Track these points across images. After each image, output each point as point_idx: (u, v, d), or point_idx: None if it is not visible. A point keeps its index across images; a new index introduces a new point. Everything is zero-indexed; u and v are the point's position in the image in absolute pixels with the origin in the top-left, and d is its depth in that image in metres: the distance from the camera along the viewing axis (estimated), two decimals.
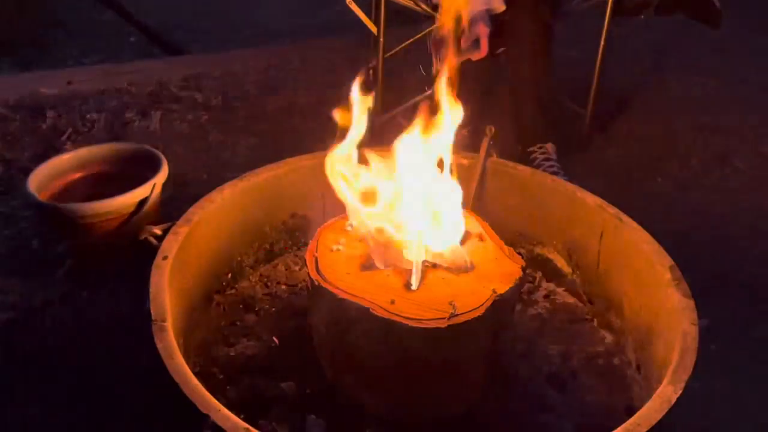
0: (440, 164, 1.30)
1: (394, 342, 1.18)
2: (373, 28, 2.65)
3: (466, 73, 2.09)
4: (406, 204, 1.26)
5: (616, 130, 2.64)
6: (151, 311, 1.19)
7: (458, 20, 2.08)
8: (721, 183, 2.38)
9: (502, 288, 1.21)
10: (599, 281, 1.56)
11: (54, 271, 1.80)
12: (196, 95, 2.74)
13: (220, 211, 1.52)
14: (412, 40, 2.71)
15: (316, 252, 1.27)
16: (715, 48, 3.30)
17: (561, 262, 1.65)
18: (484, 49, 1.98)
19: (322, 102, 2.70)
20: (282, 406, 1.29)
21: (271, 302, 1.57)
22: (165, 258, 1.32)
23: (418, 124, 1.26)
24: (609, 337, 1.51)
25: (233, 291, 1.59)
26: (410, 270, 1.21)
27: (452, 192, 1.29)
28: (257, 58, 3.06)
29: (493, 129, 1.62)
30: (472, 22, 2.02)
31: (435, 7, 2.39)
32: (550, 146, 2.26)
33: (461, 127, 1.29)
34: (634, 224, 1.47)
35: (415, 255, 1.22)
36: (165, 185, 1.83)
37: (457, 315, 1.14)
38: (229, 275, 1.59)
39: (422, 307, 1.16)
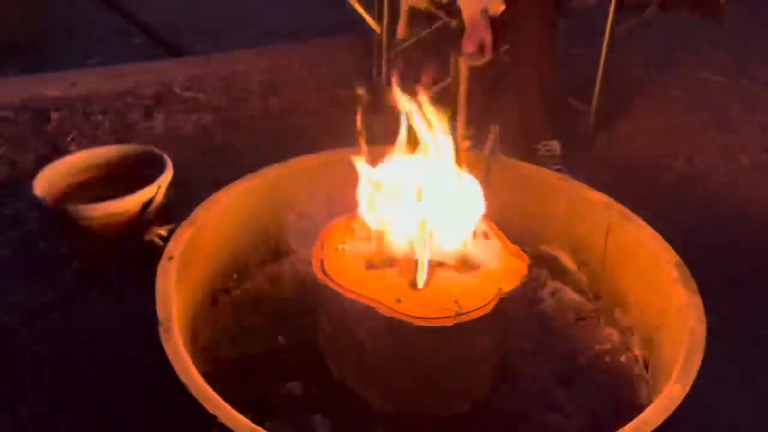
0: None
1: (401, 341, 1.18)
2: (377, 28, 2.65)
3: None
4: (413, 202, 1.26)
5: (620, 127, 2.63)
6: (158, 312, 1.19)
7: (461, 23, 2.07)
8: (727, 179, 2.37)
9: (508, 286, 1.21)
10: (605, 279, 1.56)
11: (60, 273, 1.80)
12: (200, 96, 2.74)
13: (226, 212, 1.52)
14: (416, 38, 2.71)
15: (322, 251, 1.27)
16: (720, 44, 3.29)
17: (567, 260, 1.64)
18: (487, 54, 1.97)
19: (327, 102, 2.70)
20: (289, 406, 1.29)
21: (277, 302, 1.57)
22: (170, 259, 1.32)
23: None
24: (615, 335, 1.51)
25: (239, 291, 1.59)
26: (416, 269, 1.21)
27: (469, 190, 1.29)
28: (261, 58, 3.05)
29: (497, 127, 1.61)
30: (472, 25, 2.01)
31: (440, 6, 2.39)
32: (555, 143, 2.26)
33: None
34: (640, 221, 1.46)
35: (421, 253, 1.21)
36: (170, 186, 1.83)
37: (463, 313, 1.14)
38: (235, 275, 1.59)
39: (428, 306, 1.16)
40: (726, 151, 2.52)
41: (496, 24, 2.05)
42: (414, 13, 2.46)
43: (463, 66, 1.72)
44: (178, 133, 2.49)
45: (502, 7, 2.06)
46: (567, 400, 1.35)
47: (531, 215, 1.65)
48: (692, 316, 1.23)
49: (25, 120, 2.49)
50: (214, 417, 1.01)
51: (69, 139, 2.41)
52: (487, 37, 1.97)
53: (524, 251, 1.30)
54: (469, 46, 1.97)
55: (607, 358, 1.46)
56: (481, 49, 1.97)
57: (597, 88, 2.41)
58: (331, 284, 1.19)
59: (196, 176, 2.22)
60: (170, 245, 1.35)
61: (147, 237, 1.67)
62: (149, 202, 1.75)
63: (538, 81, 2.19)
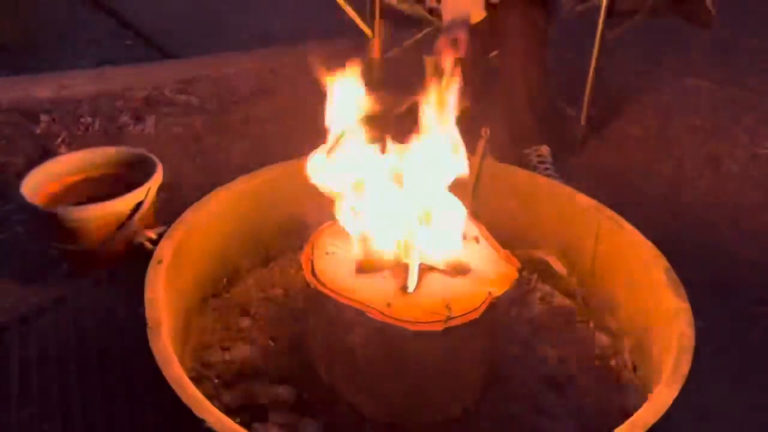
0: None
1: (391, 345, 1.18)
2: (368, 31, 2.65)
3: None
4: (402, 206, 1.26)
5: (610, 132, 2.65)
6: (147, 315, 1.19)
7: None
8: (715, 185, 2.39)
9: (499, 290, 1.21)
10: (595, 283, 1.56)
11: (49, 275, 1.79)
12: (191, 99, 2.73)
13: (216, 215, 1.51)
14: (407, 42, 2.72)
15: (312, 255, 1.27)
16: (709, 50, 3.32)
17: (557, 264, 1.65)
18: (461, 51, 1.97)
19: (318, 105, 2.70)
20: (278, 410, 1.28)
21: (267, 306, 1.56)
22: (160, 262, 1.31)
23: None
24: (605, 339, 1.51)
25: (229, 295, 1.59)
26: (406, 273, 1.21)
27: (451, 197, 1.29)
28: (252, 61, 3.05)
29: (488, 131, 1.62)
30: (449, 27, 2.02)
31: (431, 11, 2.40)
32: (544, 148, 2.27)
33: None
34: (630, 226, 1.47)
35: (411, 257, 1.21)
36: (160, 189, 1.82)
37: (453, 317, 1.14)
38: (225, 279, 1.59)
39: (418, 310, 1.15)
40: (714, 157, 2.54)
41: (485, 29, 2.06)
42: (403, 18, 2.47)
43: (429, 65, 1.72)
44: (169, 136, 2.49)
45: (484, 15, 2.07)
46: (557, 404, 1.36)
47: (521, 220, 1.66)
48: (681, 320, 1.24)
49: (14, 121, 2.48)
50: (203, 421, 1.01)
51: (58, 141, 2.40)
52: (462, 35, 1.96)
53: (515, 255, 1.31)
54: (441, 43, 1.97)
55: (597, 363, 1.46)
56: (455, 46, 1.96)
57: (587, 94, 2.42)
58: (321, 288, 1.19)
59: (186, 179, 2.22)
60: (160, 248, 1.35)
61: (137, 240, 1.66)
62: (139, 205, 1.75)
63: (526, 86, 2.20)
